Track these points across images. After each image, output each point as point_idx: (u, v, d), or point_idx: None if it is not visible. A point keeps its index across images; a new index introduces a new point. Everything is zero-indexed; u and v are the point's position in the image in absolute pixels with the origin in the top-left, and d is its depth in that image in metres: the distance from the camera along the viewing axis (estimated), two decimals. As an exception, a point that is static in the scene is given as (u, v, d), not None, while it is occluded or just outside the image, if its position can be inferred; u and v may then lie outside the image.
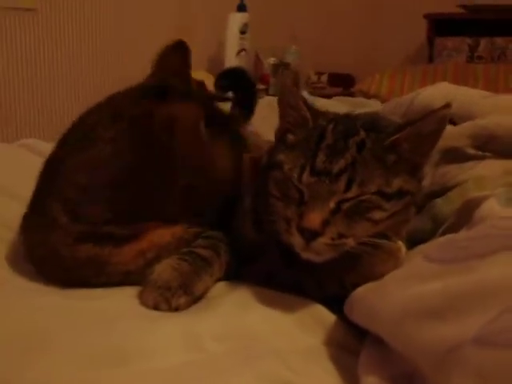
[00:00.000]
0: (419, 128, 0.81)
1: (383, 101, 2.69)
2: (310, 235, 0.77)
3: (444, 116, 0.81)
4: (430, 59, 3.66)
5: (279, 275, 0.88)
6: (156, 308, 0.80)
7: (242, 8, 3.46)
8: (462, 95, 1.32)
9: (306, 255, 0.79)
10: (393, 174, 0.80)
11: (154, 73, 1.01)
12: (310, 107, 0.88)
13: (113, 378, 0.64)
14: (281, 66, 3.81)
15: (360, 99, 2.75)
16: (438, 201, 1.10)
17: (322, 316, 0.81)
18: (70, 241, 0.87)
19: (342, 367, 0.70)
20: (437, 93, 1.34)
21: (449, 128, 1.17)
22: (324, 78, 4.04)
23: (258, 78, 3.77)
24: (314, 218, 0.77)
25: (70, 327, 0.73)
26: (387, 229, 0.82)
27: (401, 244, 0.84)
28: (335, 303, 0.82)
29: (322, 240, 0.77)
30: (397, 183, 0.80)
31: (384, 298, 0.66)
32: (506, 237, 0.62)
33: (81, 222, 0.87)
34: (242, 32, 3.42)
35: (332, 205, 0.78)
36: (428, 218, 1.07)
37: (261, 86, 3.59)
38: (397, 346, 0.61)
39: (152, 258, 0.87)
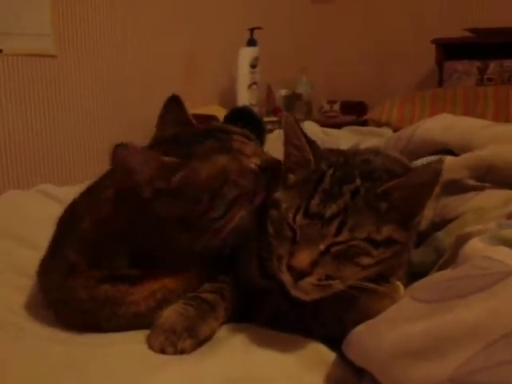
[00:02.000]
0: (411, 179, 0.83)
1: (394, 128, 2.71)
2: (299, 274, 0.81)
3: (437, 170, 0.83)
4: (440, 83, 3.68)
5: (284, 316, 0.92)
6: (162, 351, 0.84)
7: (251, 43, 3.52)
8: (462, 126, 1.35)
9: (295, 293, 0.83)
10: (383, 222, 0.83)
11: (156, 132, 1.06)
12: (313, 148, 0.91)
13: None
14: (293, 98, 3.87)
15: (371, 128, 2.78)
16: (439, 234, 1.12)
17: (323, 354, 0.84)
18: (89, 283, 0.93)
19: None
20: (436, 125, 1.37)
21: (449, 159, 1.20)
22: (336, 106, 4.08)
23: (270, 111, 3.84)
24: (303, 259, 0.80)
25: (76, 376, 0.77)
26: (376, 273, 0.85)
27: (398, 285, 0.87)
28: (338, 342, 0.85)
29: (309, 280, 0.81)
30: (386, 231, 0.83)
31: (375, 338, 0.69)
32: (484, 276, 0.64)
33: (99, 267, 0.93)
34: (253, 66, 3.48)
35: (322, 247, 0.81)
36: (431, 251, 1.10)
37: (273, 118, 3.65)
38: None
39: (161, 300, 0.92)
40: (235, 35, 3.50)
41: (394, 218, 0.84)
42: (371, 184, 0.85)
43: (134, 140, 0.92)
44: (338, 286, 0.82)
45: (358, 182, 0.85)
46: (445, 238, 1.10)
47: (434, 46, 3.67)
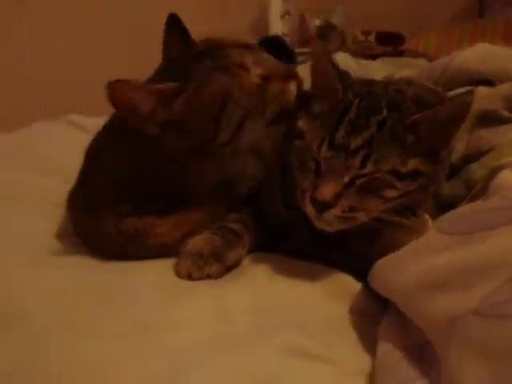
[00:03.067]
0: (438, 112, 0.80)
1: (431, 59, 2.62)
2: (322, 206, 0.80)
3: (466, 102, 0.79)
4: (481, 14, 3.54)
5: (309, 247, 0.91)
6: (189, 275, 0.84)
7: (285, -30, 3.41)
8: (501, 56, 1.30)
9: (318, 225, 0.82)
10: (409, 155, 0.80)
11: (162, 59, 1.04)
12: (341, 77, 0.88)
13: (143, 348, 0.68)
14: (327, 28, 3.77)
15: (406, 59, 2.70)
16: (472, 166, 1.09)
17: (347, 285, 0.84)
18: (116, 216, 0.94)
19: (363, 335, 0.73)
20: (474, 54, 1.32)
21: (484, 89, 1.16)
22: (372, 37, 3.96)
23: (303, 41, 3.74)
24: (327, 191, 0.79)
25: (105, 302, 0.78)
26: (402, 205, 0.83)
27: (426, 218, 0.85)
28: (363, 274, 0.85)
29: (333, 212, 0.80)
30: (412, 164, 0.81)
31: (399, 270, 0.68)
32: (514, 208, 0.62)
33: (125, 202, 0.94)
34: (286, -6, 3.38)
35: (346, 179, 0.80)
36: (462, 183, 1.07)
37: (306, 49, 3.56)
38: (410, 317, 0.63)
39: (186, 232, 0.91)
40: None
41: (420, 151, 0.81)
42: (398, 115, 0.82)
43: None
44: (361, 217, 0.81)
45: (385, 112, 0.82)
46: (477, 169, 1.07)
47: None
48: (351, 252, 0.88)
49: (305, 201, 0.82)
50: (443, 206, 0.99)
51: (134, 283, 0.84)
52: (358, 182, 0.80)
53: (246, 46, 0.99)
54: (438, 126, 0.81)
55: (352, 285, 0.84)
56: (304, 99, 0.92)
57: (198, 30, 2.87)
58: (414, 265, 0.66)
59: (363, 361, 0.69)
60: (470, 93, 0.79)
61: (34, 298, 0.77)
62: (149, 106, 0.87)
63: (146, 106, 0.87)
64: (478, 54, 1.31)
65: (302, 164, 0.85)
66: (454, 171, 1.09)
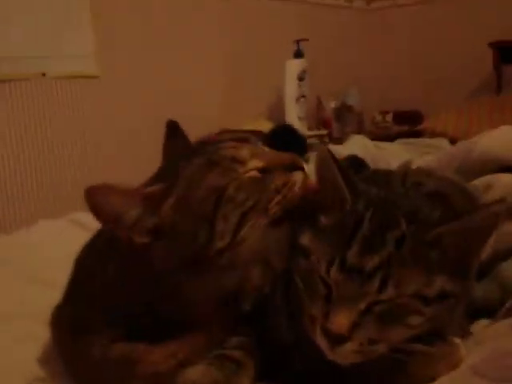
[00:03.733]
0: (466, 223, 0.70)
1: (450, 138, 2.57)
2: (337, 339, 0.68)
3: (496, 213, 0.69)
4: (499, 89, 3.50)
5: (318, 376, 0.79)
6: None
7: (298, 54, 3.42)
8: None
9: (331, 357, 0.70)
10: (434, 274, 0.69)
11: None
12: (350, 184, 0.76)
13: None
14: (343, 109, 3.75)
15: (425, 140, 2.64)
16: (504, 265, 0.99)
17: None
18: (105, 341, 0.82)
19: None
20: (497, 141, 1.24)
21: (509, 178, 1.07)
22: (389, 117, 3.94)
23: (320, 123, 3.73)
24: (342, 321, 0.67)
25: None
26: (427, 331, 0.71)
27: (456, 343, 0.73)
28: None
29: (350, 346, 0.68)
30: (438, 284, 0.69)
31: None
32: None
33: (114, 326, 0.82)
34: (301, 79, 3.37)
35: (362, 306, 0.68)
36: (495, 285, 0.97)
37: (323, 132, 3.54)
38: None
39: (183, 360, 0.80)
40: (281, 47, 3.40)
41: (446, 268, 0.70)
42: (418, 228, 0.71)
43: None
44: (381, 349, 0.69)
45: (403, 226, 0.71)
46: (510, 270, 0.97)
47: (491, 49, 3.49)
48: (370, 379, 0.76)
49: (315, 330, 0.71)
50: (476, 309, 0.89)
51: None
52: (377, 308, 0.68)
53: (245, 140, 0.90)
54: (466, 238, 0.70)
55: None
56: (309, 208, 0.81)
57: (217, 114, 2.88)
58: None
59: None
60: (501, 201, 0.69)
61: None
62: (134, 212, 0.77)
63: (131, 212, 0.77)
64: (502, 141, 1.23)
65: (308, 287, 0.74)
66: (486, 269, 0.99)
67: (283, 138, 1.58)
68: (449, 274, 0.70)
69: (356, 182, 0.77)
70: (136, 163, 2.89)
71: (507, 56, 3.47)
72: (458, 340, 0.74)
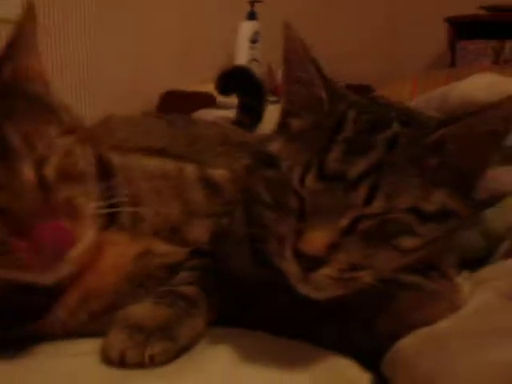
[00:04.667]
0: (472, 125, 0.58)
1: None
2: (310, 263, 0.55)
3: (509, 112, 0.57)
4: (453, 64, 3.46)
5: (287, 318, 0.66)
6: (122, 357, 0.58)
7: (252, 16, 3.29)
8: (508, 83, 1.13)
9: (303, 289, 0.58)
10: (433, 184, 0.58)
11: None
12: (327, 82, 0.64)
13: None
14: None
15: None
16: (487, 214, 0.90)
17: (346, 372, 0.59)
18: None
19: None
20: (475, 85, 1.14)
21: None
22: (340, 88, 3.85)
23: (270, 90, 3.61)
24: (318, 240, 0.55)
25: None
26: (423, 260, 0.60)
27: (458, 281, 0.62)
28: (362, 356, 0.61)
29: (327, 271, 0.55)
30: (438, 198, 0.57)
31: (453, 360, 0.44)
32: None
33: None
34: (253, 41, 3.24)
35: (345, 222, 0.56)
36: (479, 234, 0.88)
37: (273, 98, 3.42)
38: None
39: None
40: (234, 9, 3.27)
41: (447, 180, 0.58)
42: (415, 130, 0.59)
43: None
44: (366, 278, 0.57)
45: (397, 127, 0.59)
46: (494, 220, 0.88)
47: (446, 24, 3.44)
48: (348, 325, 0.63)
49: (284, 253, 0.58)
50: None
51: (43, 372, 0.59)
52: (363, 225, 0.56)
53: None
54: (471, 144, 0.58)
55: (352, 371, 0.59)
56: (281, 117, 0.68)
57: (168, 75, 2.69)
58: (478, 353, 0.42)
59: None
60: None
61: None
62: None
63: None
64: (481, 85, 1.13)
65: (276, 201, 0.61)
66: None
67: (239, 80, 1.43)
68: (450, 188, 0.58)
69: (333, 81, 0.65)
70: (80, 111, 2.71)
71: (462, 32, 3.42)
72: (460, 279, 0.63)
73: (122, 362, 0.58)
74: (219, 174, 0.83)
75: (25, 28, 0.69)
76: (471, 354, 0.43)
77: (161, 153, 0.86)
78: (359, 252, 0.56)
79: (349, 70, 3.86)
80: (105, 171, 0.73)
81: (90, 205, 0.64)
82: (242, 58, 3.27)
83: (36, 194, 0.59)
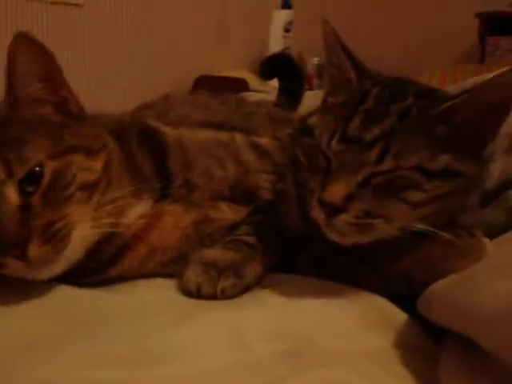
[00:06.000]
0: (479, 95, 0.67)
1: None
2: (331, 210, 0.67)
3: None
4: (482, 59, 3.50)
5: (332, 264, 0.77)
6: (198, 289, 0.70)
7: (286, 5, 3.35)
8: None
9: (329, 234, 0.69)
10: (440, 149, 0.67)
11: None
12: (356, 65, 0.76)
13: (145, 379, 0.54)
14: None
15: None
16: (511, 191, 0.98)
17: (389, 313, 0.69)
18: None
19: (417, 373, 0.58)
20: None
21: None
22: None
23: (302, 79, 3.67)
24: (336, 191, 0.66)
25: (103, 321, 0.65)
26: (441, 217, 0.69)
27: (484, 241, 0.72)
28: (399, 300, 0.71)
29: (345, 217, 0.66)
30: (443, 160, 0.67)
31: (478, 291, 0.52)
32: None
33: None
34: (287, 30, 3.30)
35: (360, 177, 0.67)
36: (502, 211, 0.96)
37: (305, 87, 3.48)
38: (498, 350, 0.48)
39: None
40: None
41: (455, 146, 0.67)
42: (428, 103, 0.69)
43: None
44: (382, 226, 0.67)
45: (411, 100, 0.69)
46: (517, 197, 0.96)
47: (476, 20, 3.48)
48: (387, 272, 0.74)
49: (312, 203, 0.70)
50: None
51: (133, 303, 0.70)
52: (375, 180, 0.67)
53: None
54: (480, 113, 0.67)
55: (393, 313, 0.69)
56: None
57: (201, 61, 2.73)
58: (503, 281, 0.51)
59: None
60: None
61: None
62: None
63: None
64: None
65: (311, 163, 0.73)
66: (492, 197, 0.98)
67: (281, 66, 1.52)
68: (456, 153, 0.67)
69: (362, 64, 0.77)
70: (116, 95, 2.82)
71: (493, 27, 3.46)
72: (485, 238, 0.72)
73: (198, 294, 0.70)
74: (265, 141, 0.93)
75: (16, 58, 0.69)
76: (493, 282, 0.52)
77: (220, 126, 0.95)
78: (372, 203, 0.67)
79: (381, 62, 3.92)
80: (155, 147, 0.83)
81: (83, 220, 0.69)
82: (275, 46, 3.31)
83: (16, 218, 0.64)
